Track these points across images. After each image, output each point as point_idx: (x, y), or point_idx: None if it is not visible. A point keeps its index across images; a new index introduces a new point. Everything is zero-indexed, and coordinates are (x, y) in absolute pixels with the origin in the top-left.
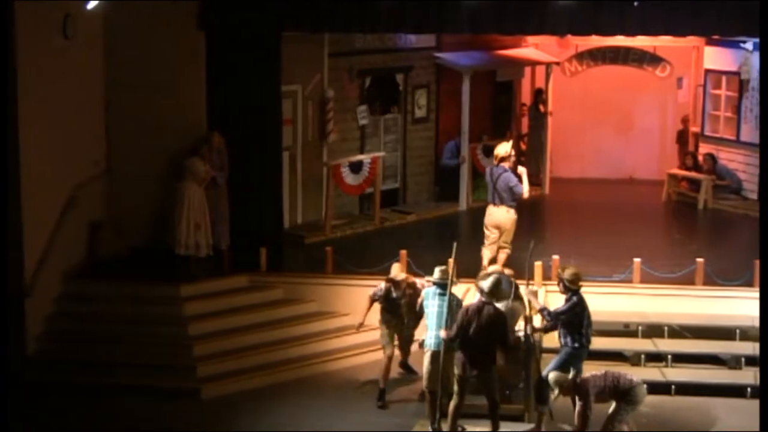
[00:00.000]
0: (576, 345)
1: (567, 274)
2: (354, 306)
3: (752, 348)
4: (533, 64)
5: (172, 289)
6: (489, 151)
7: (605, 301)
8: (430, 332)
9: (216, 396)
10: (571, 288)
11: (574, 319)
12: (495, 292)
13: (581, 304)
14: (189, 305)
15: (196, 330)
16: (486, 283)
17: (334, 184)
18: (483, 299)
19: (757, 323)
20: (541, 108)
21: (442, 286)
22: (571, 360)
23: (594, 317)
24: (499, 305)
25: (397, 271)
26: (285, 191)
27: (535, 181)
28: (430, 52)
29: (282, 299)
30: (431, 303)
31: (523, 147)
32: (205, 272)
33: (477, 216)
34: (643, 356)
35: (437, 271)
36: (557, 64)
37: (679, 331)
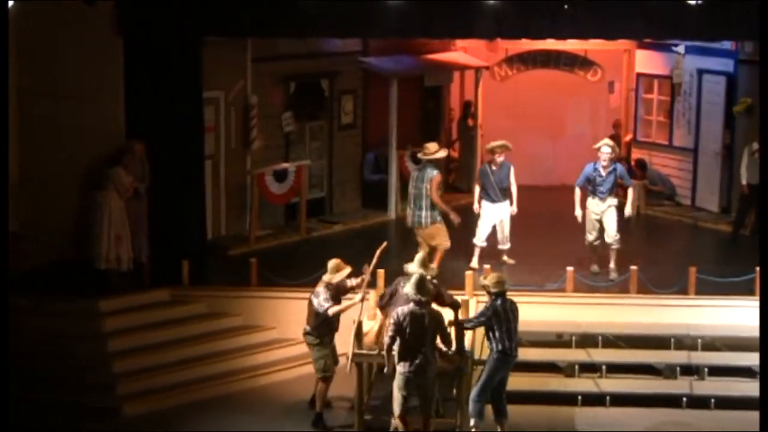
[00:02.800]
0: (499, 350)
1: (489, 279)
2: (280, 319)
3: (687, 357)
4: (462, 68)
5: (92, 303)
6: (418, 159)
7: (538, 311)
8: None
9: (137, 414)
10: (493, 292)
11: (494, 324)
12: (422, 290)
13: (503, 306)
14: (109, 320)
15: (116, 346)
16: (410, 288)
17: (258, 193)
18: (414, 301)
19: (691, 331)
20: (470, 122)
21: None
22: (498, 366)
23: (526, 327)
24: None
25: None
26: (207, 201)
27: (464, 189)
28: (356, 57)
29: (205, 313)
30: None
31: (454, 154)
32: (125, 286)
33: (406, 225)
34: (576, 367)
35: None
36: (486, 68)
37: (614, 341)
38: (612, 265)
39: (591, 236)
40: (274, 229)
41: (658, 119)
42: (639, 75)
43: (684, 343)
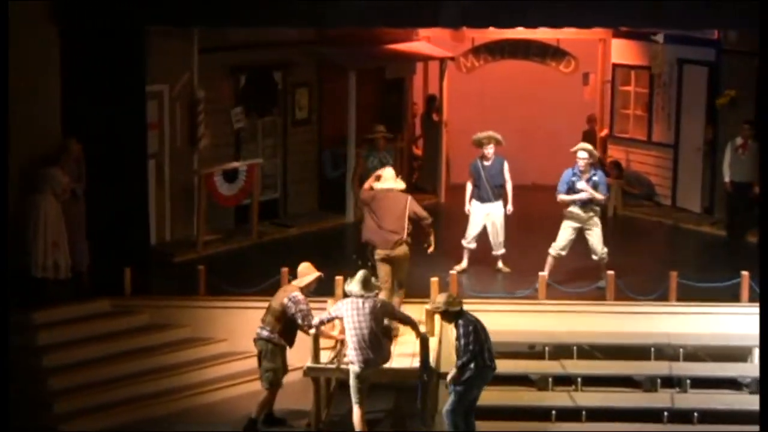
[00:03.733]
0: (479, 364)
1: (441, 300)
2: (231, 331)
3: (668, 368)
4: (425, 59)
5: (26, 315)
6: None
7: (508, 320)
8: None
9: None
10: (453, 311)
11: (474, 343)
12: (367, 285)
13: (469, 320)
14: (44, 333)
15: (53, 361)
16: (355, 286)
17: (206, 194)
18: (361, 296)
19: (673, 341)
20: (434, 116)
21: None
22: (476, 379)
23: (496, 337)
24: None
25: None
26: (151, 204)
27: (429, 189)
28: (311, 47)
29: (149, 325)
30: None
31: (417, 152)
32: (63, 296)
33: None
34: (550, 380)
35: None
36: (452, 59)
37: (590, 351)
38: (603, 275)
39: (560, 243)
40: (223, 233)
41: (635, 113)
42: (615, 66)
43: (665, 353)
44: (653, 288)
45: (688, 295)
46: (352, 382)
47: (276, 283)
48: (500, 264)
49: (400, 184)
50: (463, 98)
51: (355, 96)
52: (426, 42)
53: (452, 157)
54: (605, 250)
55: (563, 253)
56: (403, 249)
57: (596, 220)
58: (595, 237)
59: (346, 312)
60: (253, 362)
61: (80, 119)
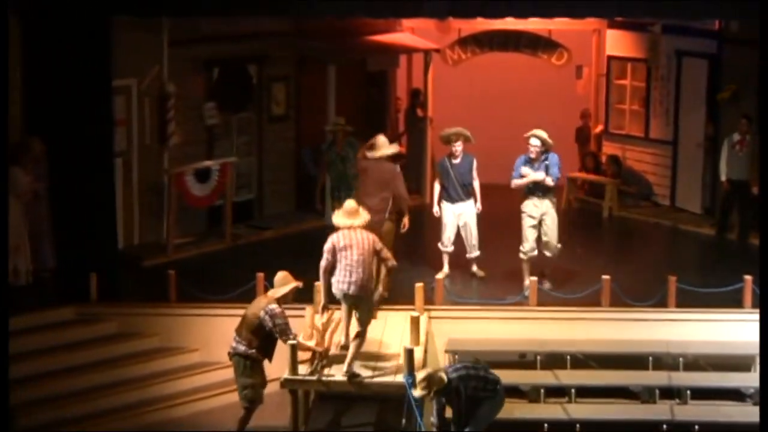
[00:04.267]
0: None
1: (419, 389)
2: (203, 340)
3: (667, 378)
4: (409, 51)
5: None
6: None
7: (497, 328)
8: None
9: None
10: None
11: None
12: (353, 214)
13: (453, 393)
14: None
15: (14, 373)
16: (340, 218)
17: (176, 195)
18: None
19: (672, 349)
20: (419, 112)
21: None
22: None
23: (484, 346)
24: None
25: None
26: (118, 205)
27: (414, 189)
28: (289, 39)
29: (117, 334)
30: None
31: (401, 149)
32: (25, 303)
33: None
34: (542, 391)
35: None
36: (437, 51)
37: (584, 361)
38: (547, 272)
39: (527, 245)
40: (195, 236)
41: (632, 108)
42: (610, 58)
43: (664, 362)
44: (651, 293)
45: (688, 301)
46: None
47: (251, 290)
48: (475, 268)
49: (391, 149)
50: (450, 93)
51: (334, 90)
52: (410, 33)
53: (438, 155)
54: (559, 246)
55: (534, 254)
56: (384, 225)
57: (552, 211)
58: (549, 230)
59: (338, 242)
60: (227, 373)
61: (43, 116)
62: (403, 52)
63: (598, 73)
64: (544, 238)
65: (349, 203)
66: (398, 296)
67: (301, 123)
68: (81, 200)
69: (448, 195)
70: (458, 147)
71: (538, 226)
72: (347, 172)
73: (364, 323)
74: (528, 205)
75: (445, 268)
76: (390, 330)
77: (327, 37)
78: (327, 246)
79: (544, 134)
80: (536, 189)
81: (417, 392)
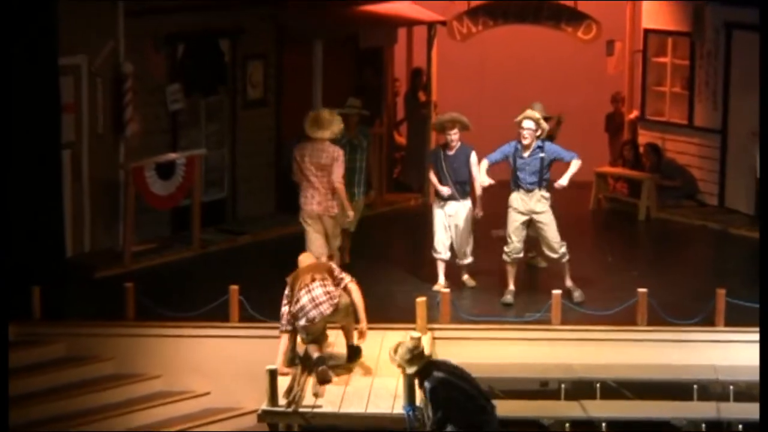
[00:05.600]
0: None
1: (400, 354)
2: (167, 365)
3: (715, 410)
4: (409, 24)
5: None
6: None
7: (514, 351)
8: None
9: None
10: (412, 368)
11: (453, 406)
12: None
13: (440, 381)
14: None
15: None
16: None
17: (135, 194)
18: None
19: (721, 376)
20: (421, 96)
21: None
22: None
23: (499, 373)
24: None
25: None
26: (66, 205)
27: (414, 186)
28: (267, 9)
29: (64, 358)
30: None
31: (399, 139)
32: None
33: None
34: (567, 425)
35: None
36: (442, 24)
37: (617, 389)
38: (569, 282)
39: (511, 245)
40: (156, 242)
41: (672, 91)
42: (647, 31)
43: (711, 391)
44: (696, 310)
45: (739, 319)
46: None
47: (223, 305)
48: (465, 276)
49: (337, 126)
50: (457, 73)
51: (321, 71)
52: (410, 3)
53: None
54: (564, 246)
55: (518, 256)
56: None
57: (547, 208)
58: (548, 230)
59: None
60: (194, 404)
61: None
62: (403, 26)
63: (633, 49)
64: (543, 241)
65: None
66: (396, 312)
67: (282, 109)
68: (21, 200)
69: (439, 193)
70: (453, 136)
71: (527, 224)
72: (357, 165)
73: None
74: (514, 199)
75: (441, 279)
76: (386, 352)
77: (312, 8)
78: None
79: (538, 116)
80: (520, 180)
81: (409, 369)
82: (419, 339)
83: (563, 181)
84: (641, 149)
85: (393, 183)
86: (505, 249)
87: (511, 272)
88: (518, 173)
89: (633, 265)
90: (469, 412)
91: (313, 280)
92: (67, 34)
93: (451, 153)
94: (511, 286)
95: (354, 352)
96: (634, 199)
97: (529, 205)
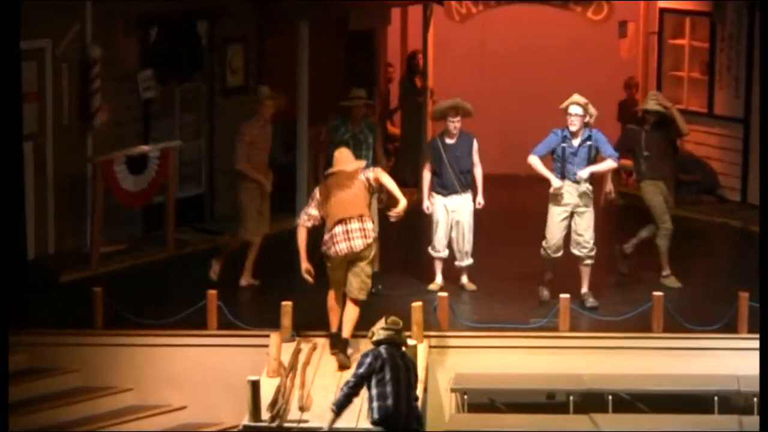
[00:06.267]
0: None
1: (379, 323)
2: (139, 377)
3: (738, 424)
4: (403, 4)
5: None
6: None
7: (518, 360)
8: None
9: None
10: (377, 337)
11: (375, 376)
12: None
13: (380, 357)
14: None
15: None
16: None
17: (104, 190)
18: None
19: (744, 387)
20: (418, 82)
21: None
22: None
23: (503, 383)
24: None
25: None
26: (28, 202)
27: (409, 181)
28: None
29: (28, 369)
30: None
31: (393, 130)
32: None
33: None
34: None
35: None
36: (440, 3)
37: (630, 402)
38: (585, 288)
39: (553, 240)
40: (127, 243)
41: (691, 76)
42: (663, 11)
43: (733, 403)
44: (716, 315)
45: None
46: None
47: (200, 312)
48: (465, 279)
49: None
50: (456, 57)
51: (307, 55)
52: None
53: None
54: (594, 246)
55: (559, 254)
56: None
57: (589, 204)
58: (584, 223)
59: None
60: (169, 419)
61: None
62: (396, 5)
63: (648, 30)
64: (576, 236)
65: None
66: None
67: None
68: None
69: (441, 184)
70: (455, 123)
71: (569, 218)
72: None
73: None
74: (560, 191)
75: (438, 279)
76: None
77: None
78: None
79: (584, 99)
80: (567, 171)
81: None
82: (400, 320)
83: (584, 173)
84: None
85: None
86: (543, 244)
87: (548, 265)
88: (566, 164)
89: (648, 266)
90: (388, 393)
91: (352, 217)
92: (29, 16)
93: (452, 142)
94: (545, 291)
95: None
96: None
97: (575, 198)
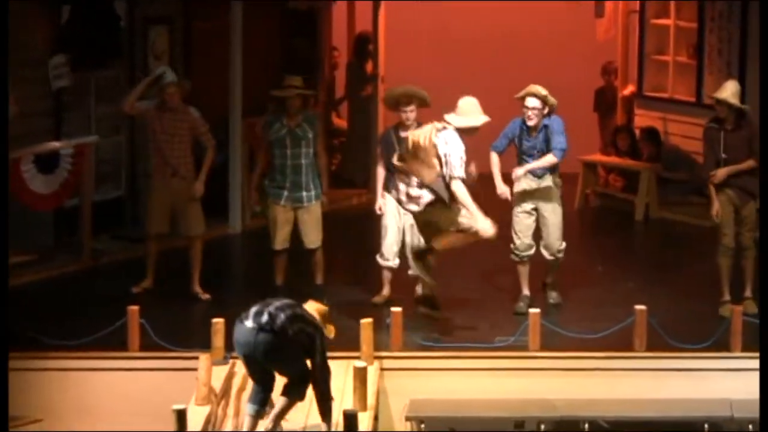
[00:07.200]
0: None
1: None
2: (50, 405)
3: None
4: None
5: None
6: None
7: (483, 385)
8: None
9: None
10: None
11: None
12: None
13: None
14: None
15: None
16: None
17: (9, 192)
18: None
19: (737, 412)
20: (367, 68)
21: None
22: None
23: (466, 410)
24: None
25: None
26: None
27: (358, 180)
28: None
29: None
30: None
31: (339, 122)
32: None
33: (259, 241)
34: None
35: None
36: None
37: (609, 430)
38: (550, 278)
39: (519, 241)
40: (36, 252)
41: (677, 60)
42: None
43: (725, 429)
44: (706, 331)
45: (759, 342)
46: None
47: (120, 330)
48: (420, 289)
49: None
50: (411, 40)
51: (240, 38)
52: None
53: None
54: (563, 245)
55: (531, 253)
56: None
57: (555, 197)
58: (551, 223)
59: None
60: None
61: None
62: None
63: (628, 9)
64: (543, 235)
65: None
66: (336, 337)
67: (193, 86)
68: None
69: (393, 184)
70: (409, 114)
71: (534, 213)
72: (304, 161)
73: None
74: (522, 189)
75: (385, 290)
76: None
77: None
78: None
79: (544, 91)
80: (526, 165)
81: None
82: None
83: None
84: (638, 134)
85: (331, 177)
86: (511, 247)
87: (523, 273)
88: (525, 157)
89: (628, 276)
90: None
91: None
92: None
93: (406, 134)
94: (526, 291)
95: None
96: (629, 194)
97: (538, 195)
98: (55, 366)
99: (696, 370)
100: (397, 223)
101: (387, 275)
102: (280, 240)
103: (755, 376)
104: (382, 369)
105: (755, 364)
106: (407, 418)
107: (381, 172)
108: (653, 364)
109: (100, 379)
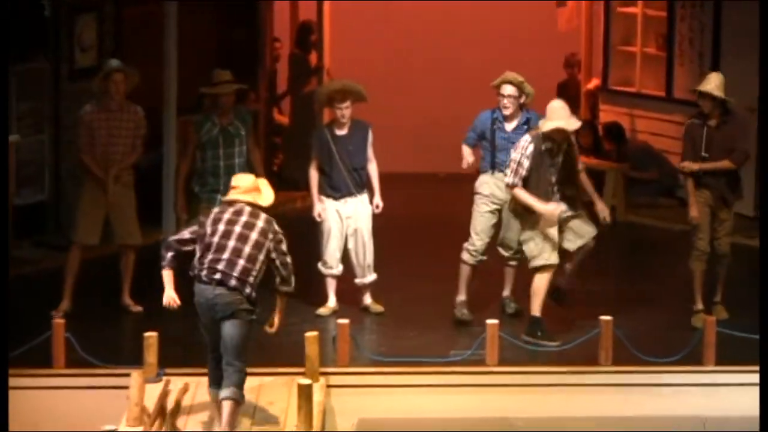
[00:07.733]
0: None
1: None
2: None
3: None
4: None
5: None
6: None
7: (437, 402)
8: None
9: None
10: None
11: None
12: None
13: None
14: None
15: None
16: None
17: None
18: None
19: (711, 429)
20: (311, 60)
21: None
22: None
23: (421, 430)
24: None
25: None
26: None
27: (301, 182)
28: None
29: None
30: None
31: (281, 119)
32: None
33: None
34: None
35: None
36: None
37: None
38: (507, 291)
39: (480, 241)
40: None
41: (645, 51)
42: None
43: None
44: (677, 343)
45: (734, 355)
46: None
47: (44, 345)
48: (368, 299)
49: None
50: (358, 29)
51: (175, 29)
52: None
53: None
54: (520, 245)
55: (484, 257)
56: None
57: None
58: (514, 221)
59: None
60: None
61: None
62: None
63: None
64: (504, 232)
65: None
66: (278, 352)
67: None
68: None
69: (331, 186)
70: (345, 111)
71: (498, 212)
72: (237, 161)
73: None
74: (488, 183)
75: (331, 302)
76: (265, 404)
77: None
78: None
79: (520, 77)
80: (497, 160)
81: None
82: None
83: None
84: (600, 130)
85: (273, 178)
86: (468, 247)
87: (466, 276)
88: (496, 152)
89: (593, 284)
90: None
91: None
92: None
93: (342, 133)
94: (463, 296)
95: None
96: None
97: (505, 192)
98: None
99: (666, 386)
100: (339, 229)
101: (331, 284)
102: None
103: (729, 392)
104: (329, 386)
105: (729, 378)
106: None
107: (315, 175)
108: (620, 379)
109: (22, 398)
